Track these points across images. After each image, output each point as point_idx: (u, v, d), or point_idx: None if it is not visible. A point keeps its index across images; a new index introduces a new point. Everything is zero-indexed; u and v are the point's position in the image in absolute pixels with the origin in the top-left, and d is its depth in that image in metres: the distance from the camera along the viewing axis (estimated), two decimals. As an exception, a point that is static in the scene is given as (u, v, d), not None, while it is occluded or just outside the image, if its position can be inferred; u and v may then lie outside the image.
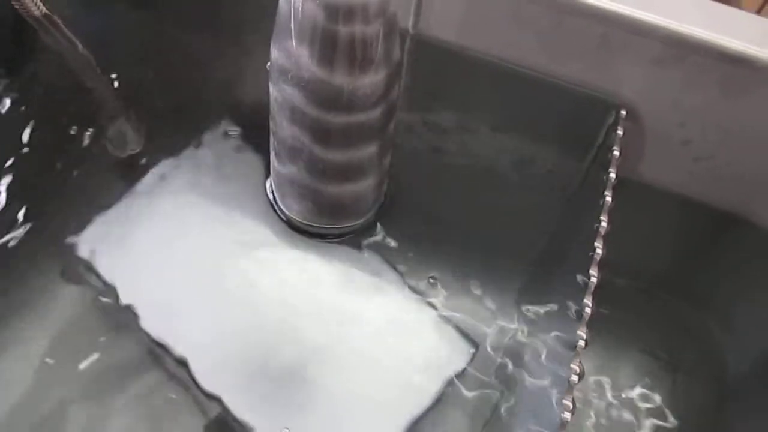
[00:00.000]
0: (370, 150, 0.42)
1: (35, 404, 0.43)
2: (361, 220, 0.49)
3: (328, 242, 0.50)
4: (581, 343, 0.34)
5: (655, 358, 0.51)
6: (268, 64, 0.39)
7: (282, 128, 0.41)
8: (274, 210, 0.50)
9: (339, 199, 0.46)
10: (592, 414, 0.48)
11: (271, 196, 0.50)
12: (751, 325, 0.49)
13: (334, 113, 0.38)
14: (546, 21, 0.42)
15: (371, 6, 0.33)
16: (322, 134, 0.39)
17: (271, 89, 0.39)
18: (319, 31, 0.34)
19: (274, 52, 0.37)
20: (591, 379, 0.49)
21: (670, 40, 0.41)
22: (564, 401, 0.32)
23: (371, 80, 0.37)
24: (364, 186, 0.45)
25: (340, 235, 0.49)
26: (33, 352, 0.44)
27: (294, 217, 0.48)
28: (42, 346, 0.45)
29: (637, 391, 0.50)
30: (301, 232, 0.49)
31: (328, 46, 0.34)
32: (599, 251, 0.37)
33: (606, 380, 0.50)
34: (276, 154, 0.44)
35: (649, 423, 0.49)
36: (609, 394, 0.49)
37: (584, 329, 0.34)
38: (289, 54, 0.36)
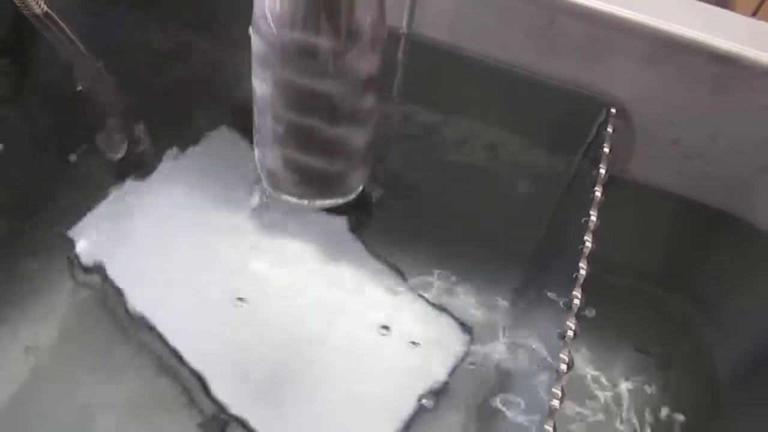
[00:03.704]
0: (353, 125, 0.40)
1: (32, 407, 0.43)
2: (347, 198, 0.47)
3: (317, 240, 0.50)
4: (570, 333, 0.34)
5: (647, 354, 0.52)
6: (250, 28, 0.38)
7: (262, 90, 0.39)
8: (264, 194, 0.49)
9: (322, 173, 0.43)
10: (586, 410, 0.49)
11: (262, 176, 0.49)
12: (742, 322, 0.50)
13: (316, 80, 0.36)
14: (537, 20, 0.43)
15: None
16: (302, 102, 0.38)
17: (254, 45, 0.38)
18: None
19: (256, 14, 0.36)
20: (584, 375, 0.50)
21: (660, 40, 0.42)
22: (553, 389, 0.33)
23: (356, 47, 0.35)
24: (346, 164, 0.43)
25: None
26: (31, 353, 0.45)
27: (278, 192, 0.46)
28: (40, 345, 0.45)
29: (630, 388, 0.50)
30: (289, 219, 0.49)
31: (310, 6, 0.33)
32: (588, 245, 0.38)
33: (599, 377, 0.50)
34: (257, 127, 0.43)
35: (642, 419, 0.49)
36: (602, 391, 0.49)
37: (573, 320, 0.35)
38: (271, 15, 0.34)
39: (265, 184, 0.46)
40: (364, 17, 0.35)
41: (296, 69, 0.37)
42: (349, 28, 0.35)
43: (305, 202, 0.46)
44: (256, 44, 0.37)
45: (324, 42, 0.35)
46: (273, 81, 0.38)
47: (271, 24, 0.35)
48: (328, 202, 0.46)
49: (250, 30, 0.36)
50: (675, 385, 0.51)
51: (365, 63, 0.37)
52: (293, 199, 0.46)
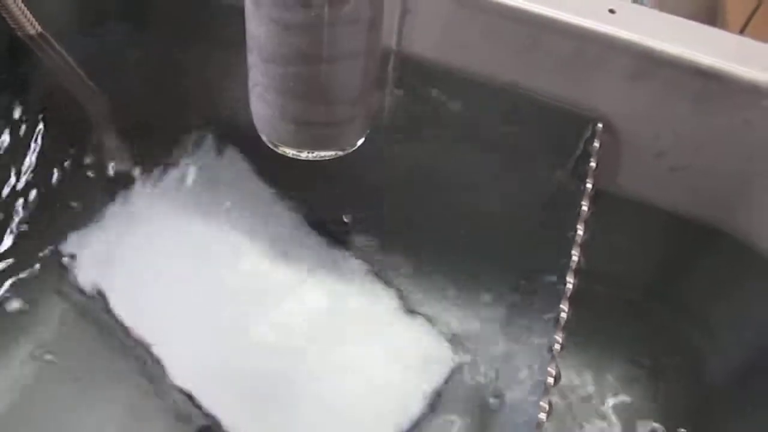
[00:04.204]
0: (350, 67, 0.39)
1: (25, 413, 0.43)
2: (346, 150, 0.44)
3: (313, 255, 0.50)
4: (557, 346, 0.35)
5: (638, 366, 0.52)
6: None
7: (257, 30, 0.37)
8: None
9: (319, 121, 0.42)
10: (577, 422, 0.49)
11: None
12: (732, 332, 0.50)
13: (311, 15, 0.35)
14: (523, 38, 0.44)
15: None
16: (296, 40, 0.36)
17: None
18: None
19: None
20: (575, 387, 0.50)
21: (644, 56, 0.42)
22: (541, 403, 0.33)
23: None
24: (344, 112, 0.42)
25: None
26: (27, 361, 0.45)
27: (274, 142, 0.44)
28: (36, 355, 0.46)
29: (620, 399, 0.50)
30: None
31: None
32: (575, 258, 0.38)
33: (590, 388, 0.50)
34: (251, 73, 0.40)
35: (633, 431, 0.49)
36: (593, 402, 0.50)
37: (560, 333, 0.35)
38: None
39: (261, 134, 0.44)
40: None
41: (291, 4, 0.36)
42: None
43: (303, 153, 0.44)
44: None
45: None
46: (267, 19, 0.37)
47: None
48: (327, 154, 0.44)
49: None
50: (666, 396, 0.51)
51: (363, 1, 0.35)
52: (290, 150, 0.44)
